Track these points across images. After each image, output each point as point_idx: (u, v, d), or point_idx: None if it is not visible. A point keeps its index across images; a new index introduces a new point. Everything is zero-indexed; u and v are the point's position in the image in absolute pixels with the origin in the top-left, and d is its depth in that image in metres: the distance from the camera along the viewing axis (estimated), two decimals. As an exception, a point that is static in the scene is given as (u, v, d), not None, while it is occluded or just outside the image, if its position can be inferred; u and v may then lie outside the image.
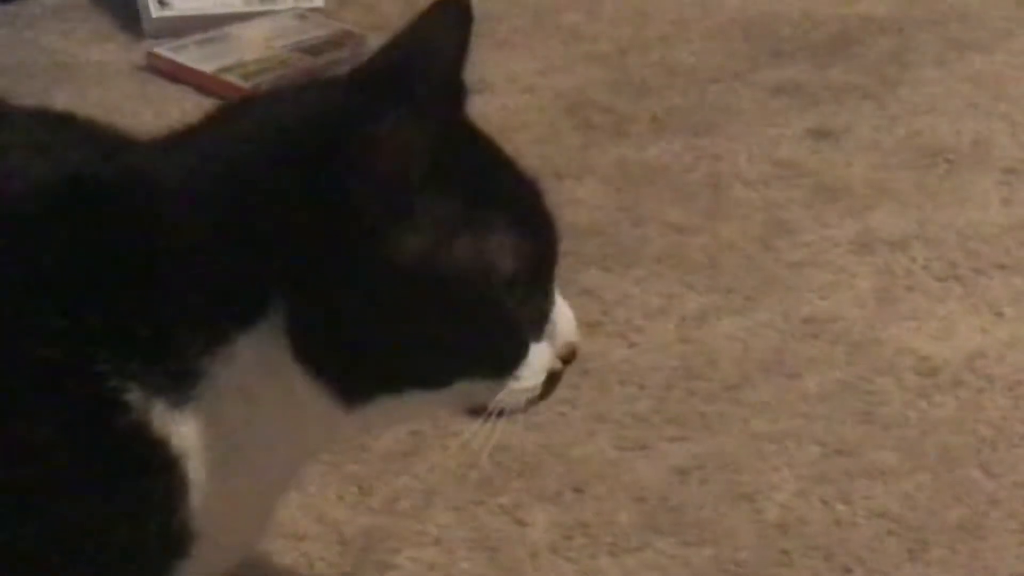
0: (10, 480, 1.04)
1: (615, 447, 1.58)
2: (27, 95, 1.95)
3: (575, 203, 1.99)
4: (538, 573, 1.42)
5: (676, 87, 2.30)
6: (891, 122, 2.19)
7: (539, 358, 1.14)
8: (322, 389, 1.07)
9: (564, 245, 1.87)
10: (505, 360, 1.12)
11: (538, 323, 1.14)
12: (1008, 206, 1.99)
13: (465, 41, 1.08)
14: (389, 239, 1.04)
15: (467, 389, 1.11)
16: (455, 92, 1.09)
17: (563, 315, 1.15)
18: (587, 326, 1.72)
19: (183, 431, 1.07)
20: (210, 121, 1.14)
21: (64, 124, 1.18)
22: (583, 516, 1.49)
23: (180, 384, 1.06)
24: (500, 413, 1.14)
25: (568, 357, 1.16)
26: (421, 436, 1.58)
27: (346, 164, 1.04)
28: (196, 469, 1.08)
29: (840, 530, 1.47)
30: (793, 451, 1.57)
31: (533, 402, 1.16)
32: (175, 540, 1.10)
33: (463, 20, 1.07)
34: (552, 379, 1.15)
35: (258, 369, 1.07)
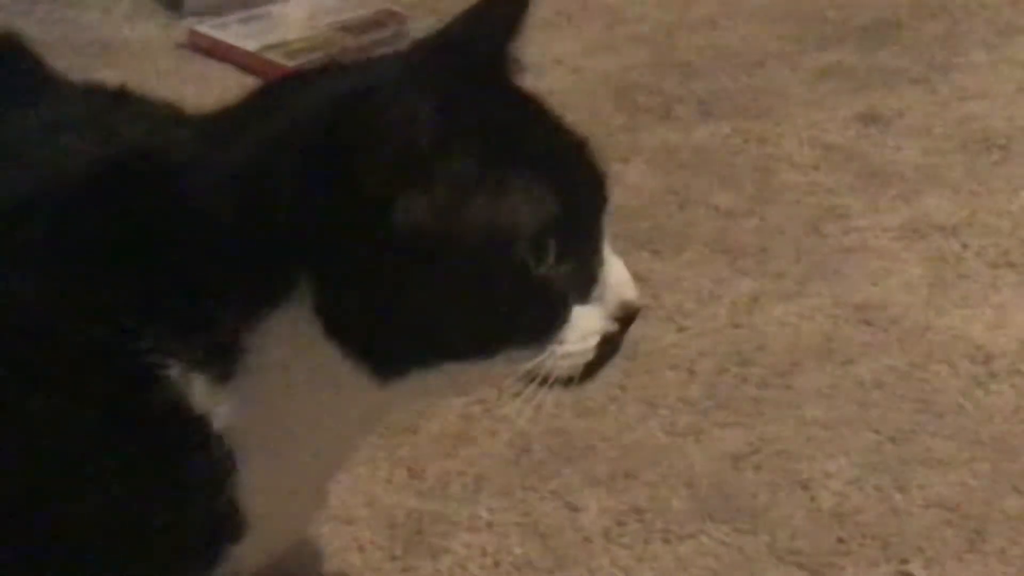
0: (51, 458, 1.04)
1: (666, 432, 1.57)
2: (67, 73, 1.94)
3: (622, 186, 1.96)
4: (591, 559, 1.41)
5: (723, 69, 2.28)
6: (941, 107, 2.16)
7: (585, 320, 1.08)
8: (354, 365, 1.05)
9: (612, 227, 1.88)
10: (541, 325, 1.06)
11: (582, 284, 1.08)
12: (1061, 193, 1.97)
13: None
14: (401, 207, 1.01)
15: (509, 358, 1.06)
16: (478, 55, 1.09)
17: (615, 274, 1.10)
18: (636, 310, 1.71)
19: (224, 407, 1.05)
20: (248, 100, 1.12)
21: (117, 99, 1.17)
22: (635, 502, 1.47)
23: (220, 360, 1.05)
24: (551, 380, 1.08)
25: (625, 317, 1.10)
26: (471, 420, 1.57)
27: (351, 138, 1.01)
28: (240, 447, 1.07)
29: (896, 519, 1.45)
30: (848, 438, 1.55)
31: (592, 368, 1.11)
32: (225, 522, 1.09)
33: None
34: (610, 342, 1.10)
35: (293, 345, 1.05)
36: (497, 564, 1.40)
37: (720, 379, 1.64)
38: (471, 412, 1.57)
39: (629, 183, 1.98)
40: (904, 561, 1.40)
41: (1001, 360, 1.65)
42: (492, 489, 1.48)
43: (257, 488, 1.09)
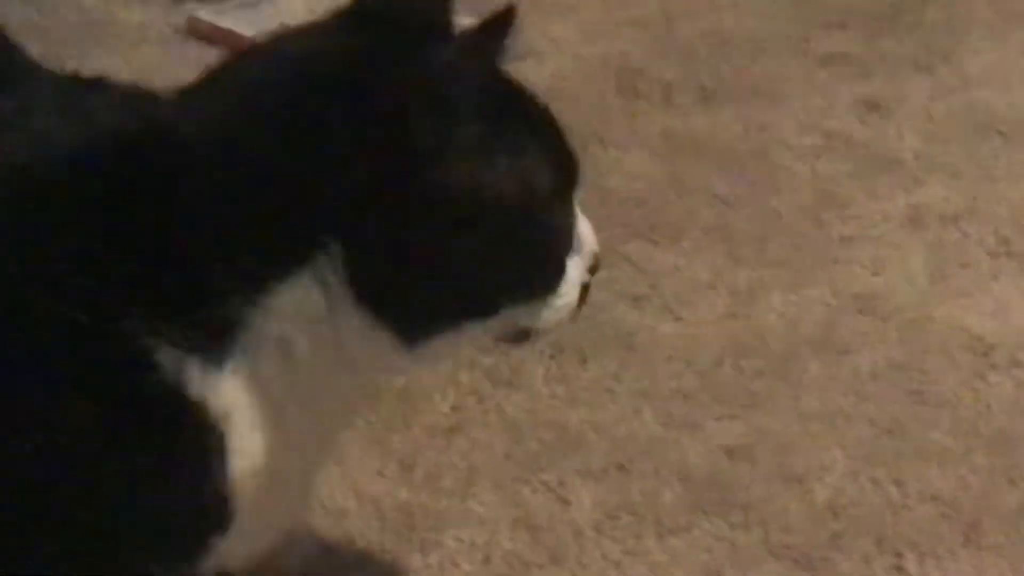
0: (37, 447, 1.02)
1: (661, 424, 1.55)
2: (65, 57, 1.92)
3: (621, 173, 1.96)
4: (583, 553, 1.39)
5: (723, 55, 2.26)
6: (943, 94, 2.14)
7: (574, 271, 1.15)
8: (383, 331, 1.06)
9: (609, 215, 1.87)
10: (551, 277, 1.13)
11: (570, 237, 1.16)
12: (1064, 180, 1.95)
13: None
14: (441, 168, 1.04)
15: (514, 313, 1.12)
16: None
17: (585, 227, 1.17)
18: (633, 299, 1.71)
19: (221, 391, 1.04)
20: (236, 64, 1.12)
21: (95, 87, 1.15)
22: (628, 495, 1.46)
23: (216, 341, 1.03)
24: (540, 333, 1.16)
25: (594, 267, 1.18)
26: (463, 411, 1.55)
27: (402, 96, 1.03)
28: (235, 432, 1.05)
29: (892, 513, 1.44)
30: (843, 430, 1.54)
31: (572, 317, 1.17)
32: (212, 511, 1.07)
33: None
34: (584, 291, 1.17)
35: (301, 318, 1.04)
36: (487, 559, 1.38)
37: (716, 371, 1.63)
38: (464, 403, 1.56)
39: (627, 170, 1.96)
40: (898, 555, 1.39)
41: (1001, 351, 1.64)
42: (484, 482, 1.47)
43: (249, 475, 1.07)
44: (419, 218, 1.05)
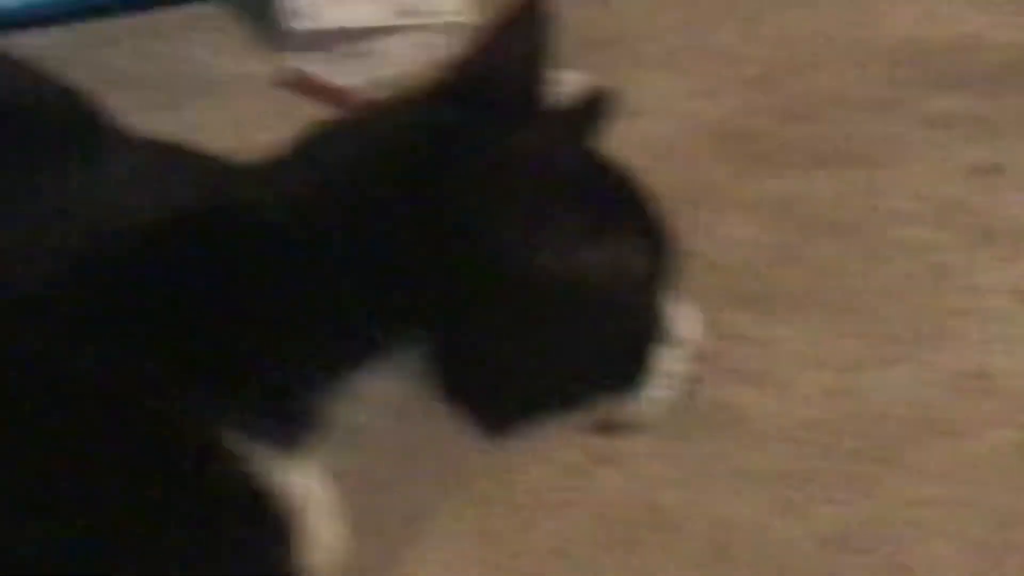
0: (98, 542, 0.95)
1: (764, 509, 1.47)
2: (159, 108, 1.88)
3: (720, 240, 1.88)
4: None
5: (830, 115, 2.18)
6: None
7: (668, 362, 1.10)
8: (466, 421, 1.01)
9: (712, 283, 1.80)
10: (640, 367, 1.08)
11: (664, 326, 1.10)
12: None
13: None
14: (531, 259, 0.99)
15: (603, 404, 1.07)
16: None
17: (685, 316, 1.12)
18: (733, 373, 1.63)
19: (295, 481, 0.98)
20: (322, 138, 1.05)
21: (171, 154, 1.10)
22: (722, 586, 1.37)
23: (288, 428, 0.97)
24: (631, 426, 1.11)
25: (695, 357, 1.13)
26: (550, 491, 1.48)
27: (491, 183, 0.99)
28: (312, 522, 0.99)
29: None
30: (962, 521, 1.44)
31: (665, 409, 1.11)
32: None
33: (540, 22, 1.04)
34: (683, 383, 1.12)
35: (381, 405, 0.99)
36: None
37: (822, 451, 1.54)
38: (550, 481, 1.48)
39: (728, 236, 1.89)
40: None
41: None
42: (567, 566, 1.39)
43: (326, 568, 1.01)
44: (506, 310, 1.00)
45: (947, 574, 1.38)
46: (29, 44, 2.39)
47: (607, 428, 1.10)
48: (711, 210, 1.92)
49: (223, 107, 2.20)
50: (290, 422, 0.97)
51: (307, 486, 0.99)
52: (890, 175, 2.02)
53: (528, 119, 1.01)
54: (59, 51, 2.35)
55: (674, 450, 1.53)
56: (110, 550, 0.96)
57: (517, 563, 1.39)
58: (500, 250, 0.98)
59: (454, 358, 0.99)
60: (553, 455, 1.49)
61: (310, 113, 2.09)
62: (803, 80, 2.27)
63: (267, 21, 2.46)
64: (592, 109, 1.04)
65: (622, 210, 1.06)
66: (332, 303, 0.98)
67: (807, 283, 1.80)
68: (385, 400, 0.99)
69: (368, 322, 0.98)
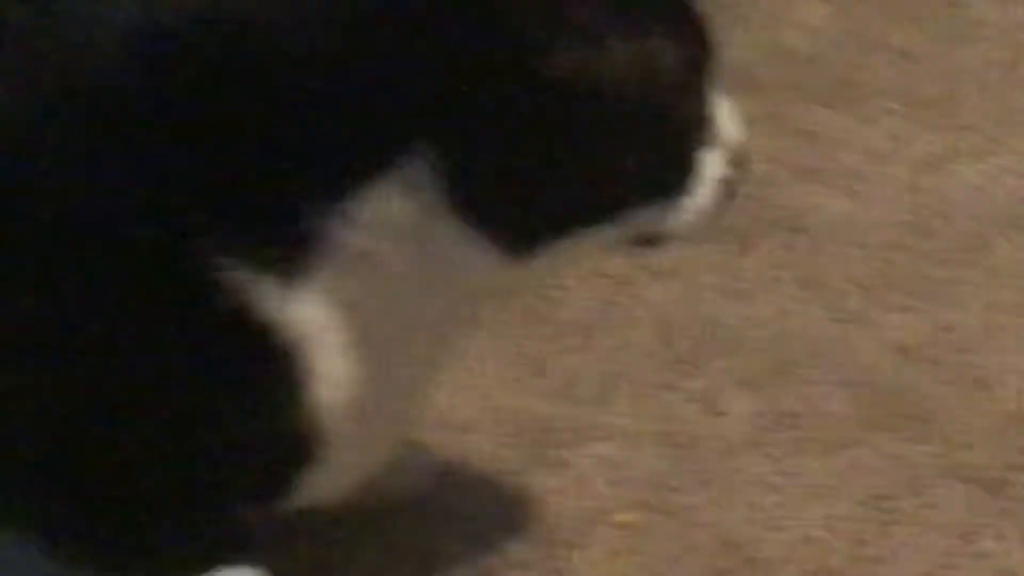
0: (100, 380, 0.92)
1: (830, 319, 1.38)
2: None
3: (793, 26, 1.76)
4: (733, 473, 1.23)
5: None
6: None
7: (710, 167, 1.01)
8: (484, 241, 0.94)
9: (777, 74, 1.69)
10: (679, 175, 0.99)
11: (704, 128, 1.01)
12: None
13: None
14: (548, 55, 0.91)
15: (640, 216, 0.98)
16: None
17: (727, 115, 1.02)
18: (803, 172, 1.54)
19: (298, 312, 0.92)
20: None
21: None
22: (788, 404, 1.29)
23: (292, 256, 0.91)
24: (663, 239, 1.02)
25: (739, 160, 1.03)
26: (609, 305, 1.40)
27: None
28: (318, 357, 0.94)
29: (1094, 423, 1.25)
30: (1039, 328, 1.35)
31: (711, 218, 1.02)
32: (296, 444, 0.97)
33: None
34: (727, 189, 1.02)
35: (389, 229, 0.92)
36: (626, 480, 1.23)
37: (895, 255, 1.45)
38: (607, 296, 1.40)
39: (799, 21, 1.77)
40: (1100, 476, 1.21)
41: None
42: (626, 389, 1.32)
43: (336, 403, 0.96)
44: (524, 112, 0.91)
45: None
46: None
47: (648, 241, 1.02)
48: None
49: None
50: (292, 248, 0.91)
51: (314, 317, 0.93)
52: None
53: None
54: None
55: (735, 260, 1.44)
56: (107, 385, 0.93)
57: (570, 391, 1.32)
58: (514, 42, 0.90)
59: (467, 170, 0.92)
60: (602, 268, 1.41)
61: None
62: None
63: None
64: None
65: (647, 4, 0.96)
66: (329, 109, 0.90)
67: (879, 71, 1.68)
68: (394, 221, 0.92)
69: (368, 134, 0.91)
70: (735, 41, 1.72)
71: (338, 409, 0.96)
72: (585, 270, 1.40)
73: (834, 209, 1.50)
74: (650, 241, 1.02)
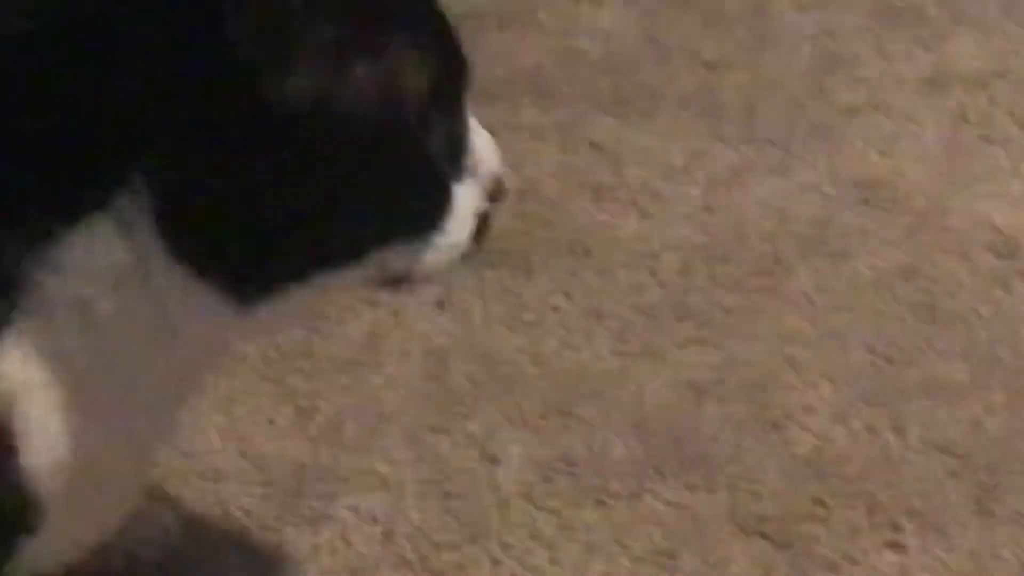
0: None
1: (615, 353, 1.29)
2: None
3: (590, 31, 1.68)
4: (506, 528, 1.14)
5: None
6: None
7: (465, 201, 0.91)
8: (209, 288, 0.83)
9: (571, 83, 1.60)
10: (429, 210, 0.89)
11: (457, 157, 0.91)
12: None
13: None
14: (275, 81, 0.80)
15: (388, 256, 0.88)
16: None
17: (483, 143, 0.93)
18: (592, 190, 1.45)
19: (3, 367, 0.81)
20: None
21: None
22: (569, 448, 1.20)
23: None
24: (422, 278, 0.91)
25: (496, 193, 0.93)
26: (378, 339, 1.30)
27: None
28: (26, 417, 0.83)
29: (889, 470, 1.18)
30: (834, 359, 1.28)
31: (465, 256, 0.92)
32: (11, 510, 0.85)
33: None
34: (482, 224, 0.92)
35: (103, 275, 0.82)
36: (388, 536, 1.13)
37: (686, 281, 1.36)
38: (376, 328, 1.30)
39: (598, 28, 1.68)
40: (895, 527, 1.14)
41: (1029, 253, 1.37)
42: (395, 432, 1.22)
43: (52, 466, 0.85)
44: (247, 144, 0.81)
45: (819, 424, 1.22)
46: None
47: (394, 282, 0.91)
48: (576, -1, 1.71)
49: None
50: None
51: (22, 372, 0.82)
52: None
53: None
54: None
55: (516, 286, 1.35)
56: None
57: (334, 434, 1.21)
58: (240, 65, 0.80)
59: (179, 208, 0.81)
60: (372, 296, 1.30)
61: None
62: None
63: None
64: None
65: (395, 16, 0.86)
66: (25, 145, 0.80)
67: (678, 80, 1.61)
68: (109, 266, 0.81)
69: (73, 168, 0.80)
70: (524, 46, 1.63)
71: (56, 471, 0.85)
72: (353, 297, 1.30)
73: (624, 230, 1.42)
74: (397, 282, 0.91)
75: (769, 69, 1.62)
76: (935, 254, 1.38)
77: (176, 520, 1.14)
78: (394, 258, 0.88)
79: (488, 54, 1.56)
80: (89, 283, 0.82)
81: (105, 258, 0.81)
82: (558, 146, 1.50)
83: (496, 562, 1.11)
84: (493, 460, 1.19)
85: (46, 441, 0.84)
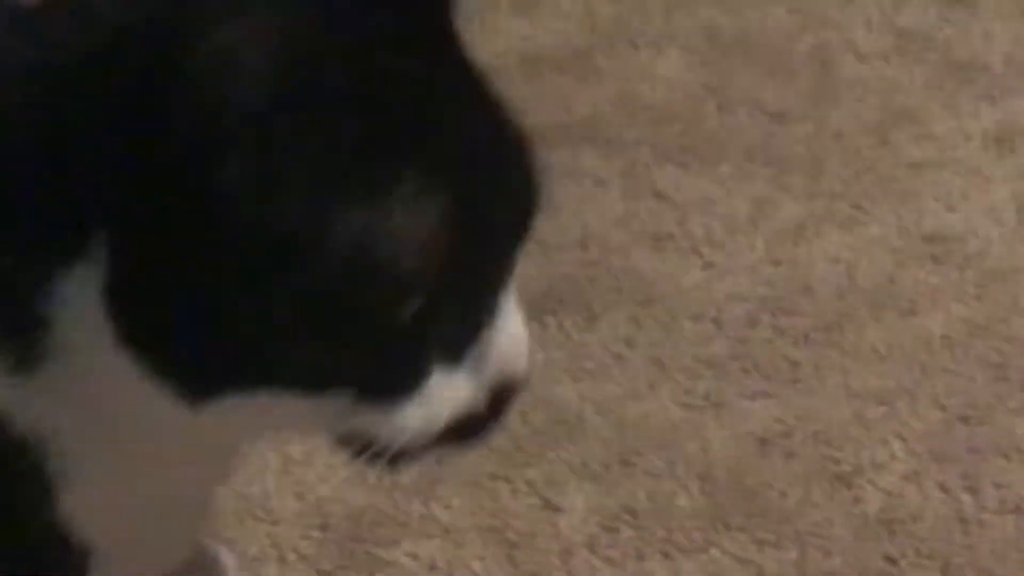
0: None
1: (680, 404, 1.26)
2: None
3: (650, 78, 1.66)
4: (568, 578, 1.11)
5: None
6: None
7: (448, 390, 0.78)
8: (151, 379, 0.76)
9: (633, 132, 1.58)
10: (388, 382, 0.77)
11: (457, 343, 0.78)
12: None
13: None
14: (224, 173, 0.71)
15: (341, 407, 0.77)
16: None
17: (508, 338, 0.79)
18: (655, 239, 1.42)
19: (31, 405, 0.78)
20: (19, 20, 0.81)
21: None
22: (632, 500, 1.18)
23: (16, 338, 0.77)
24: (382, 453, 0.78)
25: (502, 395, 0.79)
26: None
27: (165, 79, 0.71)
28: (64, 457, 0.79)
29: (963, 530, 1.15)
30: (905, 416, 1.25)
31: (437, 446, 0.79)
32: (57, 553, 0.82)
33: None
34: (471, 423, 0.79)
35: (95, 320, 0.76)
36: (448, 584, 1.11)
37: (751, 333, 1.33)
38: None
39: (658, 76, 1.66)
40: (969, 588, 1.10)
41: (1105, 313, 1.34)
42: (455, 480, 1.19)
43: (96, 505, 0.81)
44: (200, 246, 0.73)
45: (890, 482, 1.19)
46: None
47: (360, 447, 0.79)
48: (638, 45, 1.69)
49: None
50: (15, 331, 0.76)
51: (50, 412, 0.78)
52: (844, 5, 1.79)
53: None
54: None
55: (579, 335, 1.33)
56: None
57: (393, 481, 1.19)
58: (186, 161, 0.72)
59: (125, 287, 0.75)
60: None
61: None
62: None
63: None
64: None
65: (411, 145, 0.74)
66: (24, 187, 0.75)
67: (743, 131, 1.58)
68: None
69: (59, 212, 0.75)
70: (582, 92, 1.61)
71: (101, 510, 0.82)
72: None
73: (687, 280, 1.39)
74: (362, 447, 0.79)
75: (834, 122, 1.60)
76: (1006, 312, 1.35)
77: (225, 561, 1.11)
78: (348, 415, 0.77)
79: (545, 99, 1.55)
80: (89, 325, 0.76)
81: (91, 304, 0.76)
82: (620, 193, 1.48)
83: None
84: (555, 509, 1.17)
85: (81, 479, 0.81)
